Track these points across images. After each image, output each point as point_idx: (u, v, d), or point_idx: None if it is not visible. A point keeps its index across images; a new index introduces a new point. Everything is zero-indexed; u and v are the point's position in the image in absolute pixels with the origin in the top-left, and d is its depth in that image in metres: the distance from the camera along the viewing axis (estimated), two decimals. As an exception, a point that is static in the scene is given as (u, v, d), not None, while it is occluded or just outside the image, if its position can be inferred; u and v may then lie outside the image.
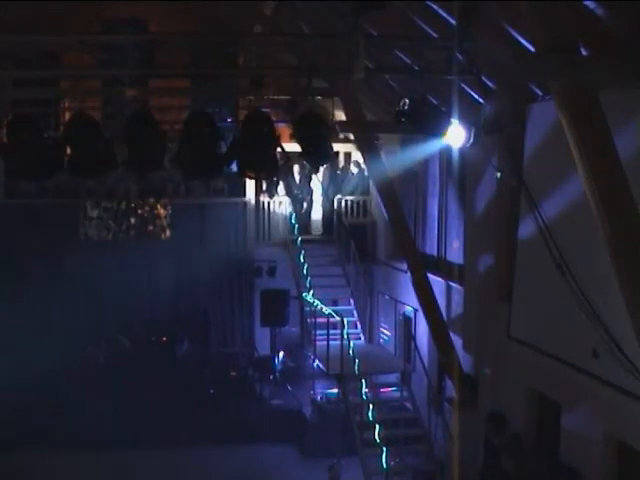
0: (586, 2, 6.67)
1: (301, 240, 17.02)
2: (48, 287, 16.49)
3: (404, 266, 12.86)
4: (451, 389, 12.20)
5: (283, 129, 10.43)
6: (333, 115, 13.94)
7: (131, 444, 14.12)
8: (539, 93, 9.47)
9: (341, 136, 13.14)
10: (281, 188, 17.68)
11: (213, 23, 15.80)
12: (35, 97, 13.06)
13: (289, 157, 10.37)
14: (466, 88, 10.48)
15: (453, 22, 8.55)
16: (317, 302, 15.25)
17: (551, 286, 8.28)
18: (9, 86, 11.21)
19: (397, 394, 14.61)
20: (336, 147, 13.03)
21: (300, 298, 16.26)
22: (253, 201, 17.84)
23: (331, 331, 14.29)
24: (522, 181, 8.62)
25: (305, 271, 16.40)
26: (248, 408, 15.00)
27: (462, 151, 11.17)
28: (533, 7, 5.56)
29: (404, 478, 12.76)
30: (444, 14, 9.07)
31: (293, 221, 17.42)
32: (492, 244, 11.17)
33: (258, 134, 8.97)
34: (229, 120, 16.00)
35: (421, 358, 13.63)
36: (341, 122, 11.86)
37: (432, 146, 10.61)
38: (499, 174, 10.53)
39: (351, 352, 13.53)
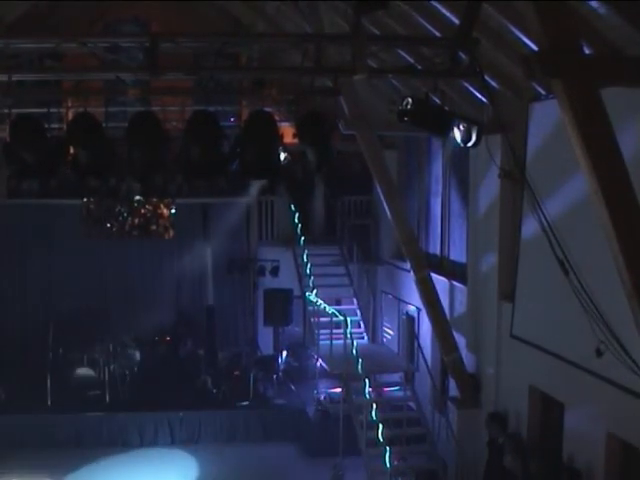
0: (588, 2, 6.66)
1: (304, 239, 17.00)
2: (50, 287, 16.51)
3: (407, 265, 12.85)
4: (454, 388, 12.20)
5: (286, 128, 10.44)
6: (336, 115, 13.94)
7: (131, 442, 14.22)
8: (542, 92, 9.47)
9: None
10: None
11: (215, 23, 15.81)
12: (38, 97, 13.07)
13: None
14: (469, 87, 10.50)
15: (456, 21, 8.55)
16: (320, 301, 15.24)
17: (554, 285, 8.24)
18: (12, 86, 11.21)
19: (400, 393, 14.61)
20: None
21: (303, 297, 16.25)
22: (256, 200, 17.82)
23: (334, 330, 14.28)
24: (525, 180, 8.60)
25: (308, 270, 16.39)
26: (251, 408, 14.99)
27: (465, 150, 11.17)
28: (535, 6, 5.55)
29: (407, 478, 12.75)
30: (447, 13, 9.07)
31: (296, 220, 17.39)
32: (495, 243, 11.17)
33: (261, 134, 8.97)
34: (232, 120, 16.00)
35: (424, 357, 13.64)
36: (344, 121, 11.85)
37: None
38: (502, 173, 10.54)
39: (354, 351, 13.52)
